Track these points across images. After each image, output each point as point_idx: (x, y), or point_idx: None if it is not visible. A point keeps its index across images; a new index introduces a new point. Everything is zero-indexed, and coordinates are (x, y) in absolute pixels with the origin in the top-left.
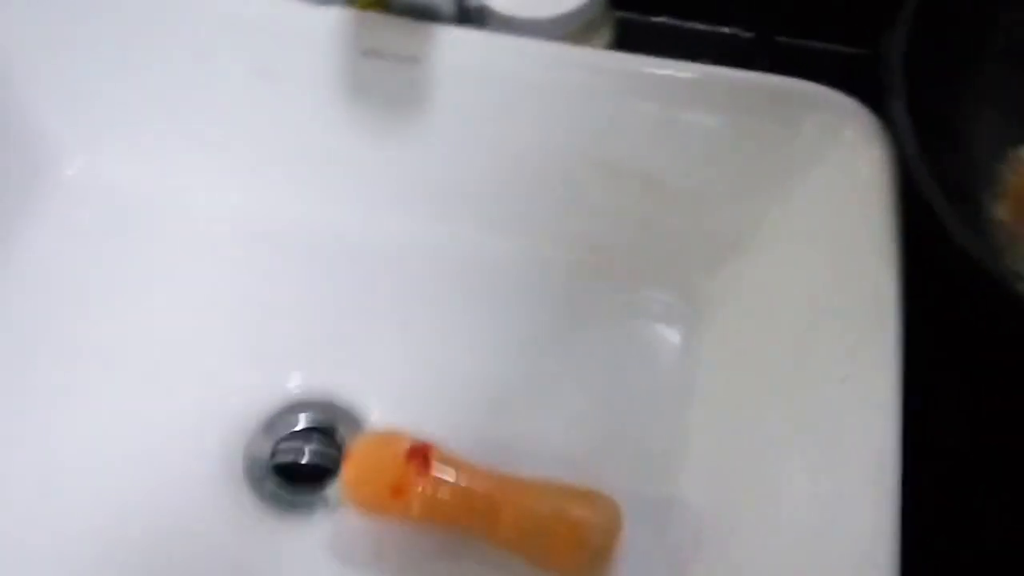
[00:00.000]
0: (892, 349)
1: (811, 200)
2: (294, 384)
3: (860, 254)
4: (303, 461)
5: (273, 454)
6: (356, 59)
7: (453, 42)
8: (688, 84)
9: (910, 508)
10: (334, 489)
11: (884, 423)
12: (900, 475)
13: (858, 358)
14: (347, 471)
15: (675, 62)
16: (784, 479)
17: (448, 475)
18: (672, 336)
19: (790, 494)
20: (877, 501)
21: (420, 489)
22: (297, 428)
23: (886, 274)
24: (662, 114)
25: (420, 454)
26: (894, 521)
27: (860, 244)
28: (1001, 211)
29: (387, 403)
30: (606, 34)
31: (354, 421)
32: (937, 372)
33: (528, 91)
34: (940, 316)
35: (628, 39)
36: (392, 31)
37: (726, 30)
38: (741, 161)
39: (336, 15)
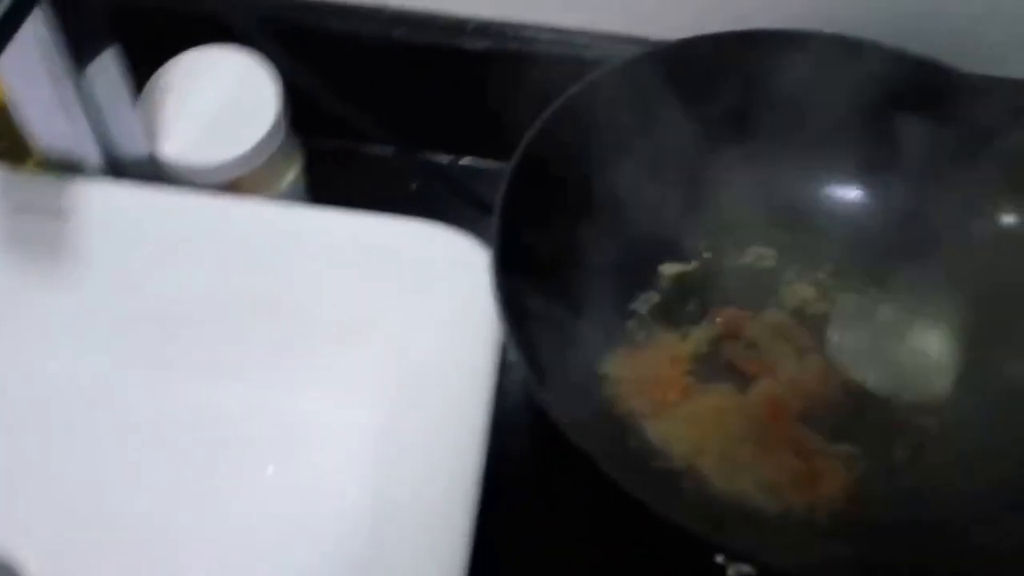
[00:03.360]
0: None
1: (425, 328)
2: None
3: (457, 392)
4: None
5: None
6: (9, 215)
7: (96, 196)
8: (324, 233)
9: None
10: None
11: None
12: None
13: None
14: None
15: (314, 212)
16: None
17: None
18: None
19: None
20: None
21: None
22: None
23: (474, 415)
24: (300, 252)
25: None
26: None
27: (458, 386)
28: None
29: (45, 555)
30: (294, 166)
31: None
32: None
33: (163, 240)
34: None
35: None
36: (39, 188)
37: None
38: (372, 292)
39: None
